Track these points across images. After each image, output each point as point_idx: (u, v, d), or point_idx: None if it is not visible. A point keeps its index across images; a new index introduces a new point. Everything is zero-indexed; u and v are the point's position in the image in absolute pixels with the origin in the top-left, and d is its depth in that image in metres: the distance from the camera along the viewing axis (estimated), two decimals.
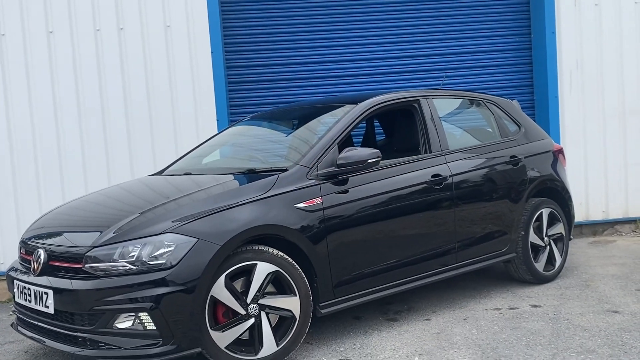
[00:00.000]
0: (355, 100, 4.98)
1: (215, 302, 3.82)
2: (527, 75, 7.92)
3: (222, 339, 3.83)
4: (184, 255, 3.71)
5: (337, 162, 4.38)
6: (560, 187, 5.86)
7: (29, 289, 4.05)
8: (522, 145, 5.69)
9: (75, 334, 3.78)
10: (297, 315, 4.03)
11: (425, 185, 4.83)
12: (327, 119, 4.89)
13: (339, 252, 4.29)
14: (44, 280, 3.95)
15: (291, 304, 4.02)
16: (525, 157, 5.60)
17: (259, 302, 3.93)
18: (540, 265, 5.64)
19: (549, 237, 5.73)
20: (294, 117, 5.49)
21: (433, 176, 4.89)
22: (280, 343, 3.98)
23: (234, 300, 3.86)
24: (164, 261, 3.69)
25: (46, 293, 3.89)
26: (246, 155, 5.26)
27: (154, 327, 3.65)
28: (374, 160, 4.41)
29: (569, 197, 5.97)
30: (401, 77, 7.61)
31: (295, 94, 7.37)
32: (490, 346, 4.17)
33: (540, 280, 5.64)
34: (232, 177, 4.46)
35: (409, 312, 5.03)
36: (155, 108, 6.81)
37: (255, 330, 3.92)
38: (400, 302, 5.26)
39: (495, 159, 5.41)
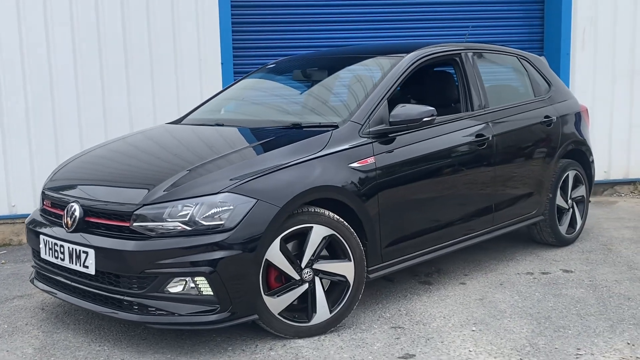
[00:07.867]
0: (398, 51, 4.69)
1: (268, 266, 3.58)
2: (537, 29, 7.72)
3: (276, 304, 3.62)
4: (244, 217, 3.44)
5: (390, 120, 4.13)
6: (586, 149, 5.75)
7: (61, 246, 3.73)
8: (554, 105, 5.53)
9: (120, 297, 3.50)
10: (352, 281, 3.83)
11: (469, 145, 4.63)
12: (372, 70, 4.59)
13: (388, 214, 4.07)
14: (81, 238, 3.64)
15: (346, 269, 3.81)
16: (557, 118, 5.45)
17: (313, 267, 3.71)
18: (563, 228, 5.57)
19: (572, 199, 5.65)
20: (323, 67, 5.15)
21: (477, 136, 4.69)
22: (334, 309, 3.79)
23: (289, 265, 3.63)
24: (222, 222, 3.42)
25: (86, 252, 3.57)
26: (281, 108, 4.92)
27: (211, 293, 3.40)
28: (429, 118, 4.17)
29: (592, 160, 5.87)
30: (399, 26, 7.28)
31: (305, 38, 6.98)
32: (542, 315, 4.06)
33: (562, 242, 5.57)
34: (278, 132, 4.16)
35: (440, 275, 4.89)
36: (155, 46, 6.37)
37: (309, 296, 3.72)
38: (428, 265, 5.09)
39: (532, 118, 5.24)
